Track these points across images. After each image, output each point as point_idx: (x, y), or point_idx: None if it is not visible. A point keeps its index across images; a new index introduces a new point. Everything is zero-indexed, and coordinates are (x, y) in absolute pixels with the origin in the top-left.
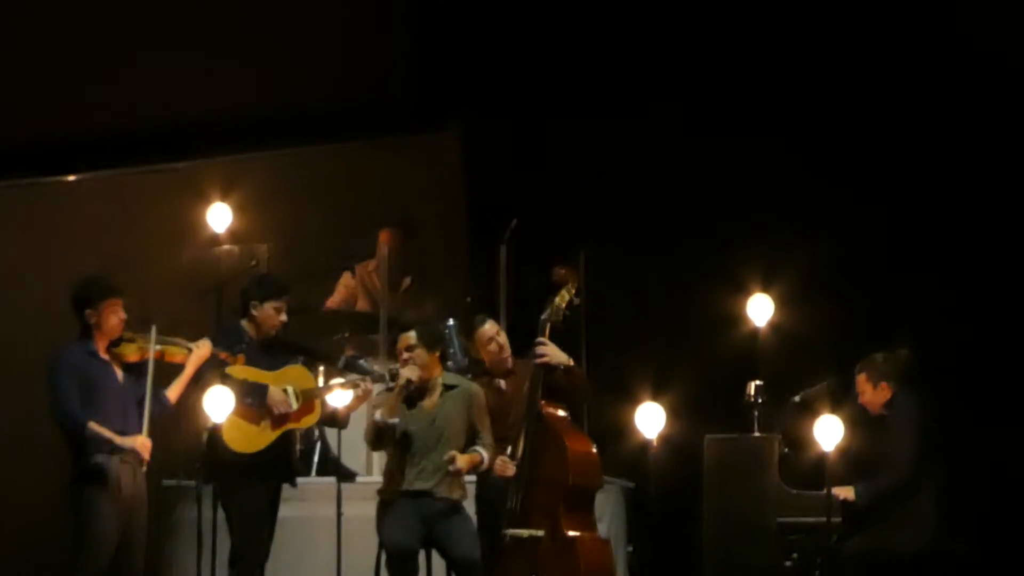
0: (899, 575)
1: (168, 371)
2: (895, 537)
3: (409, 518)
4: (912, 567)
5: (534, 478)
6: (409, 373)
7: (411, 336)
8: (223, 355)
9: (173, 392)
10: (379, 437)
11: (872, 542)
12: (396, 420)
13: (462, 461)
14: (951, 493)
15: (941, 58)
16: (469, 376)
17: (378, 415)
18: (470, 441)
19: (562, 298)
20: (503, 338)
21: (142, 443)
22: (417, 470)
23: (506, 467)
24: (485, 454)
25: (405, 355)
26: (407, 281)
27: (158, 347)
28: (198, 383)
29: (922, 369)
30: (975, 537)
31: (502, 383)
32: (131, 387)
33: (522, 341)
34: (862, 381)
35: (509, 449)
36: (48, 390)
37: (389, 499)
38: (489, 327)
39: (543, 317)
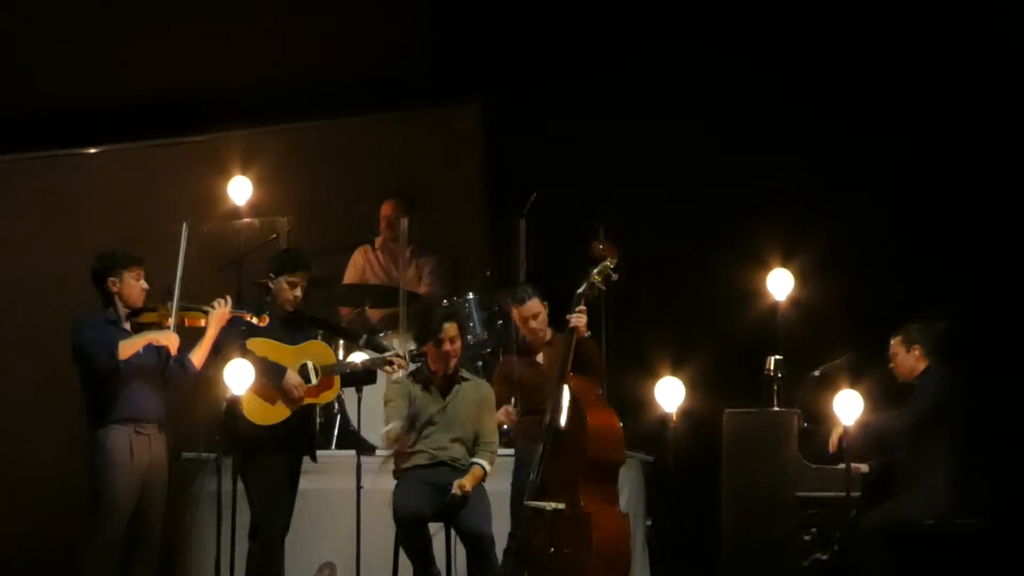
0: (917, 549)
1: (192, 339)
2: (908, 504)
3: (423, 487)
4: (930, 539)
5: (557, 450)
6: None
7: (455, 327)
8: (247, 316)
9: (197, 356)
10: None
11: (889, 514)
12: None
13: (468, 483)
14: (970, 467)
15: (967, 33)
16: (488, 351)
17: (393, 429)
18: (474, 438)
19: (600, 273)
20: (545, 314)
21: (174, 339)
22: (433, 446)
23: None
24: (485, 463)
25: (448, 347)
26: (408, 253)
27: (179, 309)
28: (218, 354)
29: (955, 346)
30: (996, 512)
31: (539, 358)
32: (152, 356)
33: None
34: (896, 344)
35: (547, 416)
36: (73, 345)
37: (404, 473)
38: (535, 304)
39: (579, 291)
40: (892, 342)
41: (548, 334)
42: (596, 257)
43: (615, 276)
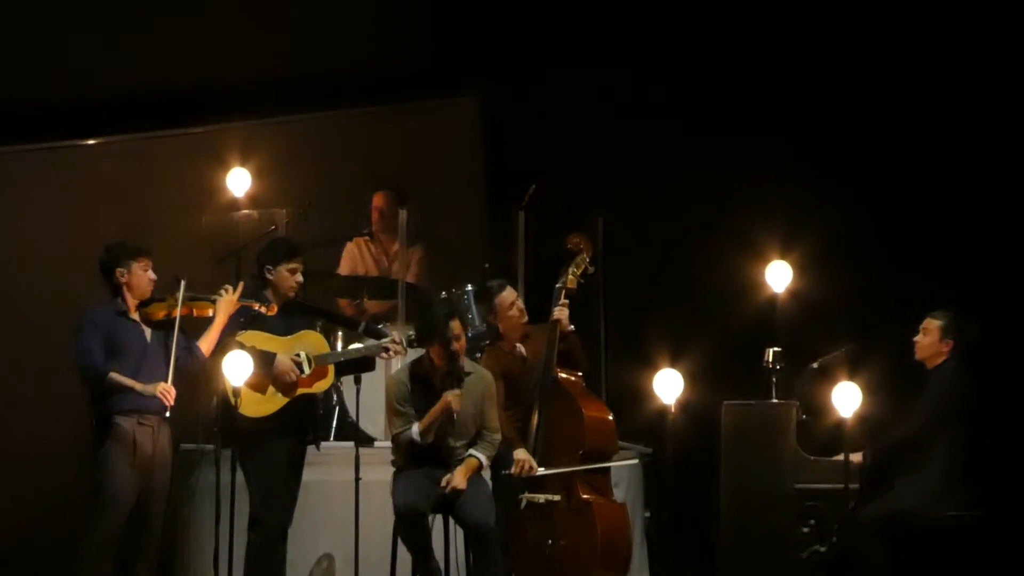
0: (915, 541)
1: (201, 327)
2: (905, 496)
3: (423, 481)
4: (927, 531)
5: (550, 443)
6: (456, 404)
7: (459, 324)
8: (256, 305)
9: (206, 343)
10: (412, 451)
11: (887, 507)
12: (431, 439)
13: (459, 477)
14: (969, 460)
15: (961, 24)
16: (487, 342)
17: (416, 432)
18: (477, 431)
19: (576, 266)
20: (521, 302)
21: (163, 389)
22: (433, 454)
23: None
24: (482, 456)
25: (456, 345)
26: (394, 246)
27: (187, 299)
28: (215, 347)
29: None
30: (995, 505)
31: (523, 349)
32: (160, 346)
33: (541, 307)
34: (935, 328)
35: (536, 417)
36: (72, 345)
37: (405, 465)
38: (509, 292)
39: (557, 285)
40: (932, 323)
41: (526, 326)
42: (571, 250)
43: (591, 269)
